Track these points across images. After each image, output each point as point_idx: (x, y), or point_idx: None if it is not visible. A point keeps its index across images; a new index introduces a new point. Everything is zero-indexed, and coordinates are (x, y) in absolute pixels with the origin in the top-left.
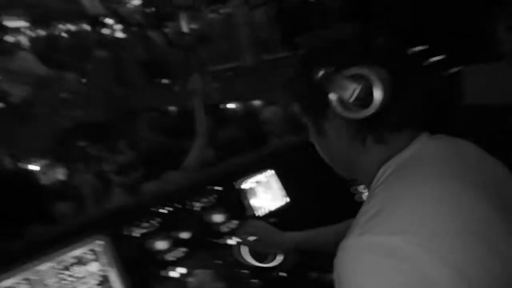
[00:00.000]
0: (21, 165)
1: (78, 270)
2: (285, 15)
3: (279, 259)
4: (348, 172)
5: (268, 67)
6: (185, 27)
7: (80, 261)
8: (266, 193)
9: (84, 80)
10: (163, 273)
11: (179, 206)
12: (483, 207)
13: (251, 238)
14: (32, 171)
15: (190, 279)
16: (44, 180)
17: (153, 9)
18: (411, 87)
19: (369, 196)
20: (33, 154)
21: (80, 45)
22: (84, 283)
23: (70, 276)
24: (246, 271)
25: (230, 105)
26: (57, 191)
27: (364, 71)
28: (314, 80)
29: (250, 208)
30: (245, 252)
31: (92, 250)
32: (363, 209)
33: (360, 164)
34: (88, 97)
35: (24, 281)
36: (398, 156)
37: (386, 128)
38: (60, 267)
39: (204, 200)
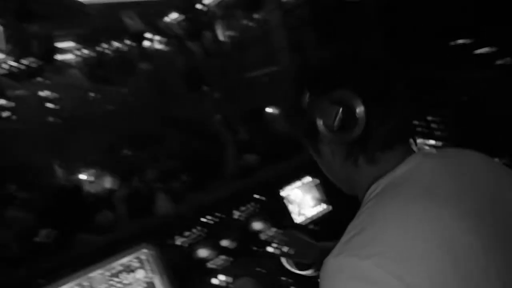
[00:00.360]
0: (71, 175)
1: (125, 277)
2: (321, 17)
3: (319, 267)
4: (348, 190)
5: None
6: (221, 35)
7: (128, 269)
8: (306, 200)
9: (127, 92)
10: (207, 280)
11: (222, 215)
12: (464, 232)
13: (286, 248)
14: (81, 182)
15: (231, 286)
16: (93, 189)
17: (190, 20)
18: (395, 106)
19: (356, 215)
20: (82, 165)
21: (123, 60)
22: None
23: (118, 282)
24: (287, 279)
25: (269, 110)
26: (104, 200)
27: (345, 95)
28: (301, 105)
29: (290, 215)
30: (285, 260)
31: (138, 258)
32: (348, 227)
33: (355, 183)
34: (132, 108)
35: (77, 287)
36: (387, 176)
37: (375, 147)
38: (109, 274)
39: (246, 208)
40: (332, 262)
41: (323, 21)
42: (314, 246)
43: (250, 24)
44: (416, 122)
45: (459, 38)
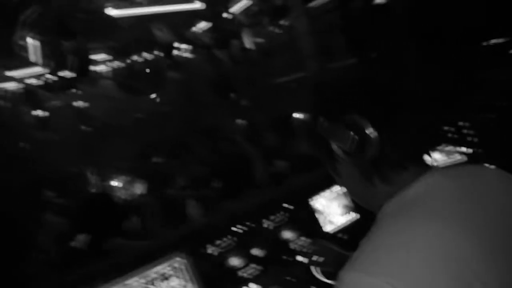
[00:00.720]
0: (103, 182)
1: (160, 285)
2: (349, 21)
3: None
4: (366, 206)
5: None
6: (248, 43)
7: (162, 276)
8: (335, 208)
9: (157, 101)
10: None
11: (252, 224)
12: (472, 255)
13: (317, 258)
14: (113, 189)
15: None
16: (124, 195)
17: (217, 29)
18: (405, 128)
19: (368, 234)
20: (114, 171)
21: (153, 70)
22: None
23: None
24: None
25: (298, 117)
26: (136, 206)
27: (355, 119)
28: (317, 129)
29: (319, 224)
30: (315, 269)
31: (172, 266)
32: (360, 244)
33: (372, 200)
34: (162, 117)
35: None
36: (399, 195)
37: (388, 168)
38: (144, 281)
39: (276, 217)
40: (342, 277)
41: (351, 26)
42: (343, 256)
43: (277, 31)
44: (446, 128)
45: (493, 38)
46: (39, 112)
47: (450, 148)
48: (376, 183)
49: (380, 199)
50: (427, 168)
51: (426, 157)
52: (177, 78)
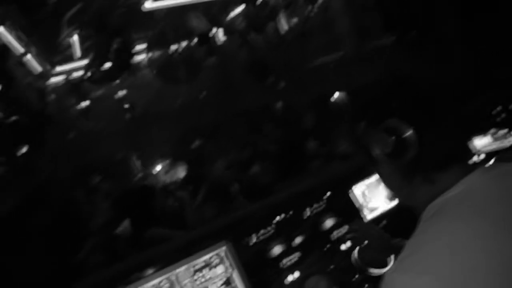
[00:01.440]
0: (147, 167)
1: (207, 273)
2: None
3: (390, 264)
4: (408, 205)
5: (371, 55)
6: (284, 25)
7: (208, 265)
8: (377, 195)
9: (196, 88)
10: (281, 277)
11: (295, 213)
12: None
13: (360, 243)
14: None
15: (305, 284)
16: (167, 179)
17: (252, 13)
18: (447, 129)
19: (413, 234)
20: (157, 157)
21: (191, 57)
22: (213, 283)
23: (201, 277)
24: (359, 276)
25: (337, 97)
26: (178, 191)
27: (395, 123)
28: (358, 132)
29: (361, 212)
30: (357, 257)
31: (217, 255)
32: (405, 245)
33: (414, 200)
34: (201, 102)
35: (165, 281)
36: (443, 196)
37: (429, 169)
38: (193, 269)
39: (318, 206)
40: (388, 278)
41: (387, 4)
42: (387, 240)
43: (313, 11)
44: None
45: None
46: (84, 104)
47: (500, 132)
48: (418, 183)
49: (423, 199)
50: (471, 167)
51: (469, 154)
52: (214, 64)
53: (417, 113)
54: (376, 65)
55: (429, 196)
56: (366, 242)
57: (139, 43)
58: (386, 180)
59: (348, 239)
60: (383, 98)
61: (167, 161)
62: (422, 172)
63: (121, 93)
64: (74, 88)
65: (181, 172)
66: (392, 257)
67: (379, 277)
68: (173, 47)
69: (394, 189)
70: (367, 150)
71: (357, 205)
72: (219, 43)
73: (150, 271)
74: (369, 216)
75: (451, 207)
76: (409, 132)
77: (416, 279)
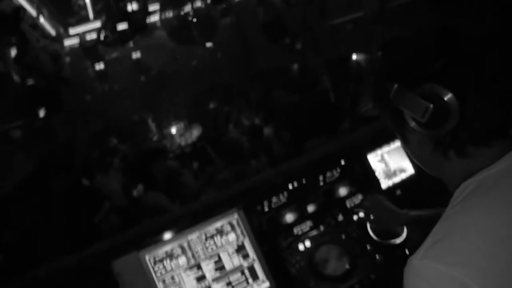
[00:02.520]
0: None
1: (219, 240)
2: None
3: (403, 236)
4: (436, 176)
5: (393, 15)
6: None
7: (220, 232)
8: (392, 164)
9: (211, 48)
10: (293, 245)
11: (308, 180)
12: None
13: (370, 215)
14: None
15: (316, 252)
16: (182, 141)
17: None
18: (494, 99)
19: (444, 215)
20: (172, 118)
21: (206, 17)
22: (224, 250)
23: (213, 244)
24: (372, 247)
25: (355, 58)
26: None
27: (436, 89)
28: (388, 95)
29: (377, 181)
30: (369, 228)
31: (230, 223)
32: (434, 229)
33: (444, 174)
34: (216, 62)
35: (178, 247)
36: (481, 173)
37: (468, 142)
38: (204, 236)
39: (332, 174)
40: (416, 265)
41: None
42: (397, 213)
43: None
44: None
45: None
46: (99, 66)
47: None
48: (452, 157)
49: (456, 175)
50: None
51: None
52: (229, 24)
53: (461, 75)
54: (403, 24)
55: (464, 172)
56: (375, 216)
57: (153, 3)
58: (414, 150)
59: (359, 212)
60: (424, 57)
61: (182, 124)
62: (459, 145)
63: (137, 54)
64: (88, 50)
65: (195, 135)
66: (405, 229)
67: (391, 247)
68: (188, 7)
69: (422, 161)
70: (398, 116)
71: (372, 174)
72: (234, 2)
73: (162, 236)
74: (383, 185)
75: (489, 188)
76: (449, 100)
77: (450, 268)
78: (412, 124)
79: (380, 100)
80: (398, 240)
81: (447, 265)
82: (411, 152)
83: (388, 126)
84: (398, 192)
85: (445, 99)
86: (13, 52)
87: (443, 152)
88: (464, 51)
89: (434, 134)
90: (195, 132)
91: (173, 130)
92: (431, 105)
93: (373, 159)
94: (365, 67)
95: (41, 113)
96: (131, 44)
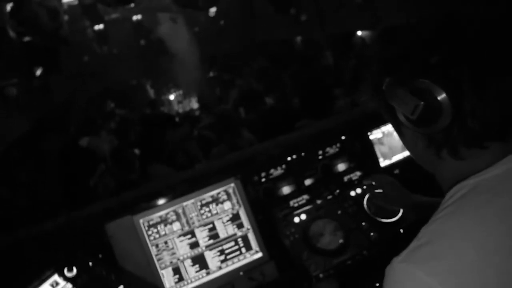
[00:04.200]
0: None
1: (214, 208)
2: None
3: (398, 215)
4: (430, 171)
5: None
6: None
7: (216, 200)
8: (392, 143)
9: (214, 15)
10: (288, 217)
11: (307, 154)
12: None
13: (377, 191)
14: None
15: (311, 225)
16: (179, 109)
17: None
18: (491, 98)
19: (433, 218)
20: (170, 85)
21: None
22: (219, 218)
23: (207, 212)
24: (367, 224)
25: (360, 34)
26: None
27: (427, 86)
28: (381, 88)
29: (376, 159)
30: (365, 205)
31: (225, 191)
32: (421, 231)
33: (437, 172)
34: (219, 31)
35: (172, 213)
36: (475, 177)
37: (459, 143)
38: (200, 204)
39: (331, 149)
40: (398, 267)
41: None
42: (408, 196)
43: None
44: None
45: None
46: (98, 27)
47: None
48: (445, 156)
49: (449, 175)
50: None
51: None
52: None
53: (456, 73)
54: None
55: (457, 173)
56: (384, 191)
57: None
58: (408, 146)
59: (365, 188)
60: (417, 50)
61: (181, 91)
62: (452, 146)
63: (136, 17)
64: (88, 9)
65: (194, 103)
66: (401, 210)
67: (386, 226)
68: None
69: (417, 157)
70: (390, 110)
71: (372, 151)
72: None
73: (157, 202)
74: (382, 163)
75: (482, 194)
76: (442, 98)
77: (430, 276)
78: (403, 120)
79: (375, 92)
80: (393, 219)
81: (425, 272)
82: (406, 146)
83: (385, 118)
84: (396, 171)
85: (438, 97)
86: (9, 6)
87: (436, 150)
88: (462, 46)
89: (424, 132)
90: (194, 101)
91: (171, 97)
92: (422, 103)
93: (374, 136)
94: (369, 44)
95: (38, 72)
96: (132, 5)
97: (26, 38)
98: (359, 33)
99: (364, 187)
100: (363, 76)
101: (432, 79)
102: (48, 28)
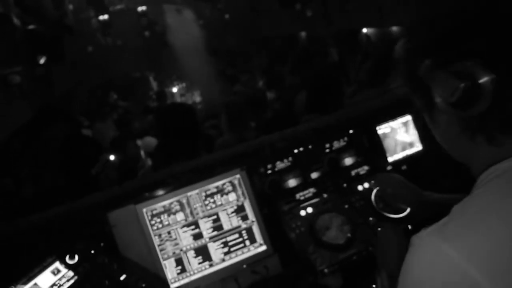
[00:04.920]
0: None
1: (218, 198)
2: None
3: (407, 211)
4: (460, 160)
5: None
6: None
7: (221, 191)
8: (400, 139)
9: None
10: (293, 211)
11: (314, 147)
12: None
13: (385, 188)
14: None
15: (317, 219)
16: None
17: None
18: None
19: (466, 198)
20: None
21: None
22: (223, 210)
23: (212, 202)
24: (372, 219)
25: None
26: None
27: (469, 68)
28: (418, 72)
29: (384, 154)
30: (373, 200)
31: (231, 182)
32: (453, 208)
33: (470, 158)
34: (223, 24)
35: (176, 203)
36: (509, 160)
37: (497, 128)
38: (204, 194)
39: (339, 143)
40: (425, 240)
41: None
42: (419, 193)
43: None
44: None
45: None
46: (103, 17)
47: None
48: (480, 142)
49: (482, 160)
50: None
51: None
52: None
53: (501, 56)
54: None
55: (490, 158)
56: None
57: None
58: (440, 131)
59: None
60: (458, 35)
61: (184, 84)
62: (488, 131)
63: (141, 8)
64: None
65: (196, 96)
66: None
67: (394, 222)
68: None
69: (448, 143)
70: (426, 94)
71: (380, 146)
72: None
73: (161, 191)
74: (390, 158)
75: None
76: (484, 81)
77: (457, 251)
78: (440, 103)
79: (409, 76)
80: (402, 215)
81: (453, 248)
82: (437, 133)
83: (416, 105)
84: (404, 167)
85: (479, 80)
86: None
87: (471, 136)
88: (507, 29)
89: (461, 115)
90: (196, 94)
91: (174, 90)
92: (462, 84)
93: (382, 131)
94: (374, 41)
95: (42, 61)
96: None
97: (31, 26)
98: (364, 30)
99: (374, 183)
100: (377, 69)
101: (474, 61)
102: (52, 16)
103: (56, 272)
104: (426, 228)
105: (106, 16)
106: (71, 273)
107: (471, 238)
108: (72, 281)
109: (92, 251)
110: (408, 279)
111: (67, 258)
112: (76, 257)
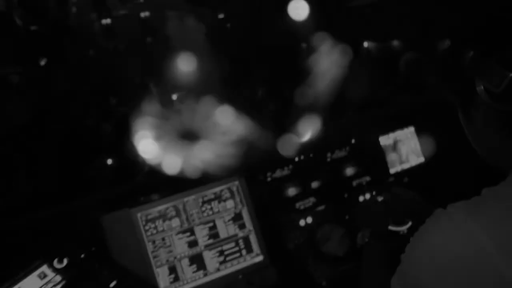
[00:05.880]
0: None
1: (216, 205)
2: None
3: (409, 224)
4: (493, 161)
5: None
6: None
7: (218, 198)
8: (403, 150)
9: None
10: (293, 220)
11: (315, 156)
12: None
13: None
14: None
15: (317, 230)
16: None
17: None
18: None
19: (501, 183)
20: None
21: None
22: (220, 217)
23: (209, 209)
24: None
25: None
26: None
27: None
28: (461, 62)
29: (385, 164)
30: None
31: (229, 189)
32: (485, 191)
33: (504, 157)
34: (226, 33)
35: (172, 208)
36: None
37: None
38: (201, 200)
39: (340, 152)
40: (449, 209)
41: None
42: (427, 208)
43: None
44: None
45: None
46: (105, 21)
47: None
48: None
49: None
50: None
51: None
52: None
53: None
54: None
55: None
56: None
57: None
58: (475, 128)
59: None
60: (507, 22)
61: (184, 92)
62: None
63: (145, 14)
64: (96, 2)
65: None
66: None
67: (395, 234)
68: None
69: (481, 141)
70: (467, 87)
71: (381, 157)
72: None
73: (157, 195)
74: (392, 170)
75: None
76: None
77: (478, 226)
78: (483, 95)
79: (450, 70)
80: (404, 227)
81: (477, 223)
82: (471, 131)
83: (451, 101)
84: (406, 179)
85: None
86: None
87: (509, 133)
88: None
89: (506, 107)
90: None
91: (174, 97)
92: (511, 74)
93: (385, 142)
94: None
95: (43, 62)
96: (140, 1)
97: (33, 27)
98: (365, 44)
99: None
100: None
101: None
102: (55, 18)
103: (42, 276)
104: (453, 204)
105: (108, 20)
106: (58, 278)
107: (495, 218)
108: (59, 286)
109: (82, 256)
110: (419, 245)
111: (55, 261)
112: (65, 261)
